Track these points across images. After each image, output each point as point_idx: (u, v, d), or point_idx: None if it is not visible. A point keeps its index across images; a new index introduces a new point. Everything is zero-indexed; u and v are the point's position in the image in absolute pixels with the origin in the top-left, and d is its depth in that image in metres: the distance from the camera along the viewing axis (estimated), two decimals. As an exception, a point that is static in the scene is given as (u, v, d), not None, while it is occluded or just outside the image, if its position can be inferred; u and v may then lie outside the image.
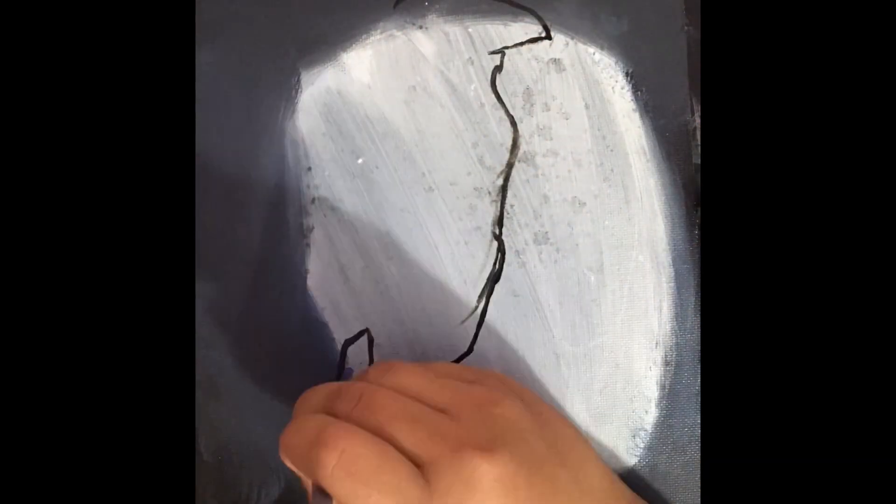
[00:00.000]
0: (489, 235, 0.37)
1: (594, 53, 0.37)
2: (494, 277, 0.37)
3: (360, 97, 0.37)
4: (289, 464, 0.27)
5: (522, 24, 0.37)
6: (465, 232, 0.37)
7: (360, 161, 0.36)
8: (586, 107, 0.37)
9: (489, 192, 0.37)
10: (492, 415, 0.27)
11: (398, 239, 0.36)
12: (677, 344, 0.36)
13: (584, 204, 0.37)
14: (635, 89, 0.37)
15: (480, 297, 0.37)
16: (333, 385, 0.29)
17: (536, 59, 0.37)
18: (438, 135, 0.37)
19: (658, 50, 0.37)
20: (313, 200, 0.36)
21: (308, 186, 0.36)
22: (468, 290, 0.36)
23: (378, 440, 0.24)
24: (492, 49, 0.37)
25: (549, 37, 0.37)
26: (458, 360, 0.36)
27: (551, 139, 0.37)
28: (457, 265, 0.36)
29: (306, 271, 0.36)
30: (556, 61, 0.37)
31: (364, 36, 0.37)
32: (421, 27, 0.37)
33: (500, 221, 0.37)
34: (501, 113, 0.37)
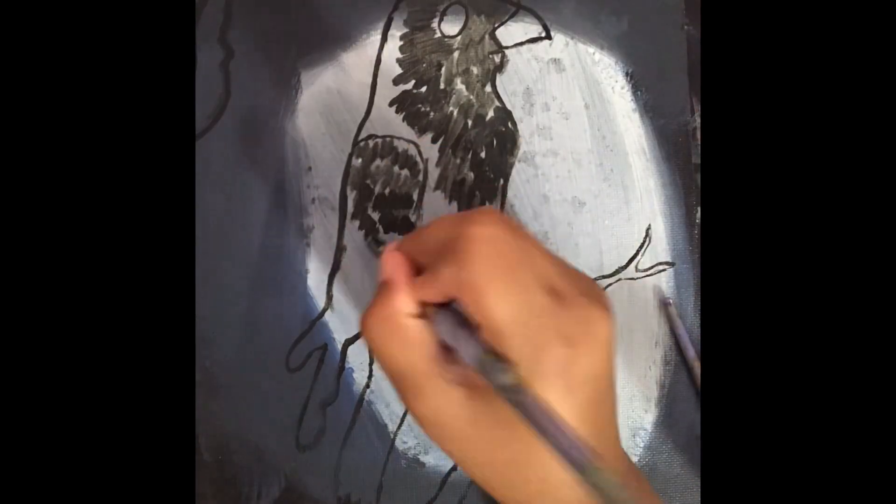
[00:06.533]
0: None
1: (594, 53, 0.37)
2: (494, 277, 0.36)
3: (360, 97, 0.37)
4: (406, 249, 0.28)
5: (522, 24, 0.37)
6: (465, 232, 0.37)
7: (359, 161, 0.36)
8: (586, 107, 0.37)
9: (489, 192, 0.37)
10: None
11: (398, 239, 0.36)
12: (677, 343, 0.36)
13: (584, 204, 0.37)
14: (635, 89, 0.37)
15: (480, 296, 0.36)
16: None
17: (536, 59, 0.37)
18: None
19: (658, 50, 0.37)
20: (313, 200, 0.36)
21: (308, 186, 0.36)
22: (468, 289, 0.36)
23: None
24: (492, 49, 0.37)
25: (549, 37, 0.37)
26: (458, 360, 0.36)
27: (551, 139, 0.37)
28: (457, 265, 0.36)
29: (306, 271, 0.36)
30: (556, 61, 0.37)
31: (364, 36, 0.37)
32: (421, 27, 0.37)
33: (500, 221, 0.37)
34: (502, 112, 0.37)
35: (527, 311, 0.24)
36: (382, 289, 0.27)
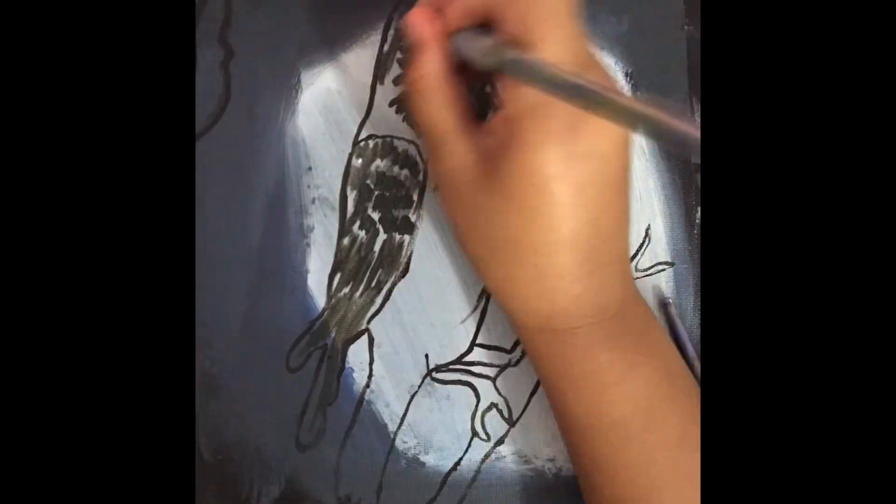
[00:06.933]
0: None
1: (594, 53, 0.37)
2: (494, 277, 0.36)
3: (360, 97, 0.37)
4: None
5: (522, 23, 0.37)
6: (465, 232, 0.37)
7: (359, 161, 0.36)
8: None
9: (489, 192, 0.37)
10: None
11: (398, 238, 0.36)
12: (677, 343, 0.36)
13: (584, 204, 0.37)
14: (635, 89, 0.37)
15: (480, 296, 0.37)
16: None
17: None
18: (438, 135, 0.37)
19: (658, 50, 0.37)
20: (313, 200, 0.36)
21: (308, 186, 0.36)
22: (468, 289, 0.36)
23: None
24: (492, 49, 0.37)
25: (548, 37, 0.37)
26: (457, 360, 0.36)
27: (551, 139, 0.37)
28: (457, 264, 0.36)
29: (306, 271, 0.36)
30: (555, 61, 0.37)
31: (364, 36, 0.37)
32: (421, 27, 0.37)
33: (499, 221, 0.37)
34: (501, 113, 0.37)
35: (571, 54, 0.25)
36: (415, 49, 0.28)
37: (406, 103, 0.28)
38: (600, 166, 0.25)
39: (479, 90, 0.28)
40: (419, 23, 0.28)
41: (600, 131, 0.25)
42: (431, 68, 0.27)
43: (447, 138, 0.27)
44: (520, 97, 0.25)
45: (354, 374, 0.36)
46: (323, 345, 0.36)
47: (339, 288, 0.36)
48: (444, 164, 0.27)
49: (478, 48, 0.26)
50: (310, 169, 0.36)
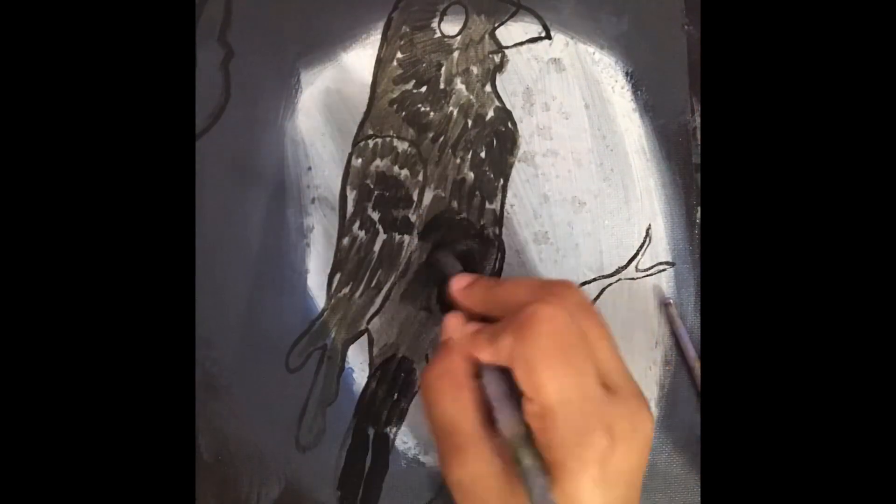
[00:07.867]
0: (489, 235, 0.37)
1: (594, 53, 0.37)
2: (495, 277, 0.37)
3: (360, 97, 0.36)
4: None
5: (522, 23, 0.37)
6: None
7: (359, 161, 0.36)
8: (586, 107, 0.37)
9: (489, 192, 0.37)
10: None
11: (397, 238, 0.36)
12: (677, 344, 0.36)
13: (584, 204, 0.37)
14: (635, 89, 0.37)
15: (480, 296, 0.36)
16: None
17: (536, 58, 0.37)
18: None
19: (658, 49, 0.37)
20: (313, 200, 0.36)
21: (308, 186, 0.36)
22: (468, 289, 0.36)
23: None
24: (491, 49, 0.37)
25: (549, 37, 0.37)
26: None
27: (551, 139, 0.37)
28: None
29: (306, 271, 0.36)
30: (556, 61, 0.37)
31: (364, 36, 0.37)
32: (421, 27, 0.37)
33: (499, 221, 0.37)
34: (502, 112, 0.37)
35: (578, 394, 0.25)
36: (442, 347, 0.28)
37: (424, 398, 0.27)
38: (628, 484, 0.25)
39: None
40: (451, 326, 0.29)
41: (632, 457, 0.25)
42: (455, 366, 0.27)
43: (469, 442, 0.25)
44: (547, 422, 0.24)
45: (354, 374, 0.36)
46: (322, 345, 0.36)
47: (339, 288, 0.36)
48: (464, 470, 0.25)
49: (504, 417, 0.25)
50: (309, 169, 0.36)
